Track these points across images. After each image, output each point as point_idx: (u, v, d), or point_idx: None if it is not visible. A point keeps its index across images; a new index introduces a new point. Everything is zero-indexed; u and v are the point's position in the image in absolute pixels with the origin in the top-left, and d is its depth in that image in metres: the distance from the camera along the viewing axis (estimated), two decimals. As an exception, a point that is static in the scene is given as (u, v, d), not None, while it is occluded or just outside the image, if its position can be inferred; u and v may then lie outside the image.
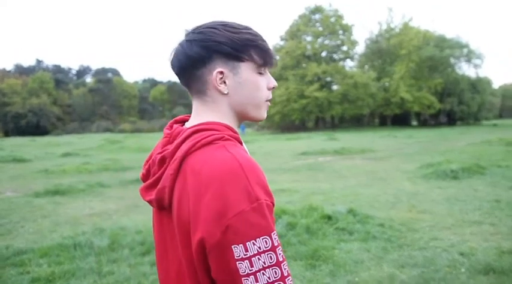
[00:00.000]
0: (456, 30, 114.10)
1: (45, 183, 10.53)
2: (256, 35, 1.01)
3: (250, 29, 1.02)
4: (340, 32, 50.91)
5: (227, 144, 0.95)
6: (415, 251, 4.32)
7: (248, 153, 0.98)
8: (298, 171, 11.67)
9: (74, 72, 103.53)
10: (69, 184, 9.54)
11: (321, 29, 50.78)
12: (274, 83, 1.06)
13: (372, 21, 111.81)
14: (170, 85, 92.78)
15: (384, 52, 50.36)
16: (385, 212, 6.07)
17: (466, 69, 50.08)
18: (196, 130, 0.97)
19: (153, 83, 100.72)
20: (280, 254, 0.85)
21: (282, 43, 52.38)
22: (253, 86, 1.02)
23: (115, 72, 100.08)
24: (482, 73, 54.00)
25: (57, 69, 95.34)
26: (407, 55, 46.59)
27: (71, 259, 4.28)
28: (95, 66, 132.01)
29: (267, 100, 1.06)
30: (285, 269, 0.84)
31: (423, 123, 52.03)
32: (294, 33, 51.19)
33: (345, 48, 51.82)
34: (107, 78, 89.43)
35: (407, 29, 49.07)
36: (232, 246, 0.83)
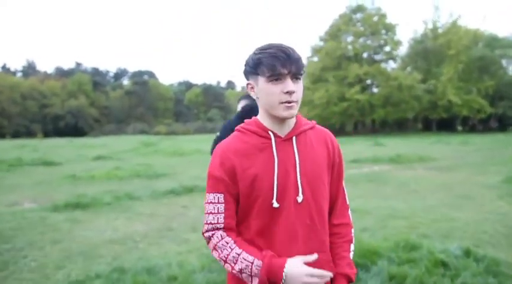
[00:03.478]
0: (509, 29, 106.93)
1: (69, 192, 9.32)
2: (267, 53, 1.32)
3: (273, 47, 1.33)
4: (383, 31, 48.59)
5: (232, 134, 1.47)
6: None
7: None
8: (356, 183, 10.00)
9: (111, 74, 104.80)
10: (93, 196, 8.24)
11: (362, 28, 48.58)
12: (287, 88, 1.32)
13: (416, 20, 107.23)
14: (205, 88, 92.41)
15: (429, 52, 47.56)
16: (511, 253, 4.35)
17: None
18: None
19: (189, 86, 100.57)
20: (206, 208, 1.41)
21: (321, 44, 50.44)
22: (265, 93, 1.36)
23: (151, 75, 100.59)
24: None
25: (96, 72, 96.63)
26: (456, 55, 43.77)
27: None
28: (131, 68, 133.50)
29: (282, 102, 1.34)
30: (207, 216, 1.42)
31: (471, 129, 48.86)
32: (334, 33, 49.20)
33: (387, 48, 49.43)
34: (143, 81, 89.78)
35: (456, 28, 46.11)
36: None
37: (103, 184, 10.65)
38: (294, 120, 1.44)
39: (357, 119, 48.28)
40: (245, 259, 1.32)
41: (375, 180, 10.36)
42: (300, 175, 1.37)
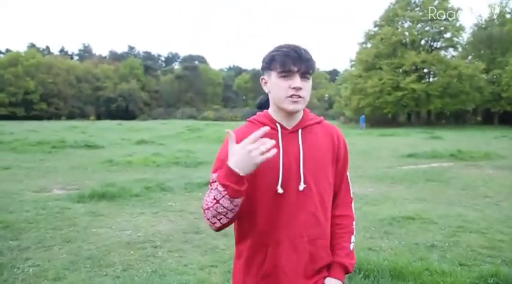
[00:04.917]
0: None
1: (101, 179, 8.82)
2: (281, 51, 1.40)
3: (287, 47, 1.42)
4: (443, 17, 45.46)
5: (244, 124, 1.53)
6: None
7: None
8: (414, 182, 8.84)
9: (162, 59, 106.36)
10: (123, 185, 7.61)
11: (421, 13, 45.73)
12: (295, 84, 1.39)
13: (481, 4, 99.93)
14: (255, 73, 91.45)
15: (494, 40, 44.07)
16: None
17: None
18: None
19: (238, 71, 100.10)
20: (210, 188, 1.37)
21: (375, 29, 48.09)
22: (275, 87, 1.43)
23: (201, 60, 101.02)
24: None
25: (147, 56, 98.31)
26: (525, 43, 40.29)
27: None
28: (182, 53, 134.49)
29: (288, 97, 1.40)
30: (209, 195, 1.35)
31: (538, 123, 45.03)
32: (390, 19, 46.68)
33: (448, 35, 46.27)
34: (193, 66, 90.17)
35: (526, 13, 42.34)
36: None
37: (138, 171, 10.11)
38: (301, 115, 1.51)
39: (411, 109, 45.75)
40: (213, 188, 1.33)
41: (435, 179, 9.13)
42: (303, 165, 1.43)
